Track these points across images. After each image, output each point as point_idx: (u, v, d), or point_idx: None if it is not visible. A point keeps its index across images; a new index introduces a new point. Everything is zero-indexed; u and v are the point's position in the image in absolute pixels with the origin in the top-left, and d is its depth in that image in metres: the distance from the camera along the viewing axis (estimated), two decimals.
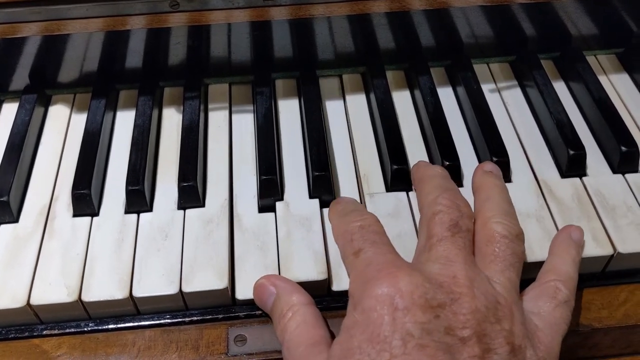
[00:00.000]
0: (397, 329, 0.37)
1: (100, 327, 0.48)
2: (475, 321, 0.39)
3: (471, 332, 0.38)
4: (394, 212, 0.53)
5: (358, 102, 0.63)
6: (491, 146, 0.56)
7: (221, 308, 0.49)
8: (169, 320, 0.49)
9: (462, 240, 0.44)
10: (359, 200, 0.54)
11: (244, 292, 0.48)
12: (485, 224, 0.45)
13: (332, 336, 0.43)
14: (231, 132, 0.60)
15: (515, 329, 0.40)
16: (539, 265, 0.50)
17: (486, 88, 0.64)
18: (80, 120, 0.61)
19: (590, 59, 0.67)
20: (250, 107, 0.63)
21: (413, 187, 0.54)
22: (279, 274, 0.49)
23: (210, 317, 0.49)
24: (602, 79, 0.65)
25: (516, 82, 0.66)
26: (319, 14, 0.59)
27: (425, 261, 0.43)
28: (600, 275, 0.52)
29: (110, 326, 0.48)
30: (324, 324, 0.44)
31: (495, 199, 0.48)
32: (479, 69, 0.66)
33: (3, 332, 0.48)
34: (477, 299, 0.40)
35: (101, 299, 0.47)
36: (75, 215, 0.53)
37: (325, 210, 0.53)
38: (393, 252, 0.44)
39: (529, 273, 0.50)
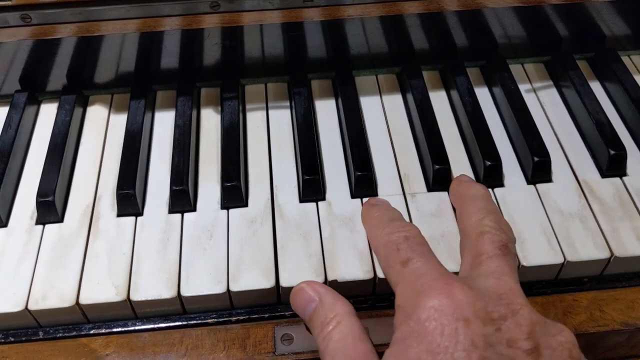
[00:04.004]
0: (460, 340, 0.36)
1: (147, 326, 0.49)
2: (537, 333, 0.38)
3: (534, 344, 0.37)
4: (436, 212, 0.53)
5: (394, 102, 0.63)
6: (532, 146, 0.56)
7: (267, 307, 0.49)
8: (215, 320, 0.49)
9: (512, 262, 0.43)
10: (401, 202, 0.54)
11: (288, 280, 0.48)
12: None
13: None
14: (269, 132, 0.61)
15: (575, 345, 0.39)
16: (584, 264, 0.50)
17: (522, 88, 0.64)
18: (118, 121, 0.61)
19: (625, 60, 0.67)
20: (287, 108, 0.63)
21: (450, 200, 0.53)
22: (324, 270, 0.49)
23: (257, 316, 0.49)
24: (638, 79, 0.65)
25: (552, 83, 0.66)
26: (356, 15, 0.59)
27: (477, 276, 0.42)
28: None
29: (158, 325, 0.49)
30: (369, 338, 0.42)
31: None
32: (514, 69, 0.66)
33: (51, 331, 0.48)
34: (535, 312, 0.39)
35: (149, 299, 0.48)
36: (119, 215, 0.53)
37: None
38: (443, 267, 0.42)
39: (575, 272, 0.51)
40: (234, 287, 0.48)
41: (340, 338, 0.41)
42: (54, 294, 0.48)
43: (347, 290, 0.48)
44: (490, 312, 0.38)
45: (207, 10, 0.57)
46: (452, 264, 0.49)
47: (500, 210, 0.53)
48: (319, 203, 0.54)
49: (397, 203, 0.53)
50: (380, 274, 0.48)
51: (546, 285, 0.51)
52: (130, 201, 0.52)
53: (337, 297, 0.44)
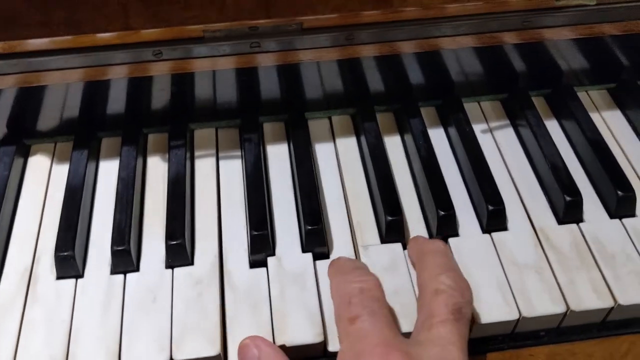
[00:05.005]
0: None
1: None
2: None
3: None
4: (389, 266, 0.51)
5: (348, 146, 0.62)
6: (486, 194, 0.55)
7: None
8: None
9: (464, 328, 0.42)
10: (353, 254, 0.52)
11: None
12: None
13: None
14: (219, 180, 0.59)
15: None
16: (540, 319, 0.49)
17: (478, 128, 0.62)
18: (61, 171, 0.59)
19: (582, 95, 0.66)
20: (238, 153, 0.61)
21: (410, 261, 0.52)
22: (273, 335, 0.47)
23: None
24: (594, 116, 0.64)
25: (508, 122, 0.64)
26: (307, 60, 0.57)
27: (424, 341, 0.41)
28: (599, 326, 0.51)
29: None
30: None
31: None
32: (470, 107, 0.65)
33: None
34: None
35: None
36: (58, 277, 0.51)
37: (319, 264, 0.51)
38: (391, 327, 0.42)
39: (531, 326, 0.49)
40: (178, 356, 0.46)
41: None
42: None
43: (297, 352, 0.46)
44: None
45: (150, 58, 0.55)
46: (406, 323, 0.47)
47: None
48: (269, 259, 0.52)
49: (349, 256, 0.52)
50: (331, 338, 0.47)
51: (502, 340, 0.50)
52: (69, 263, 0.50)
53: (277, 355, 0.44)
